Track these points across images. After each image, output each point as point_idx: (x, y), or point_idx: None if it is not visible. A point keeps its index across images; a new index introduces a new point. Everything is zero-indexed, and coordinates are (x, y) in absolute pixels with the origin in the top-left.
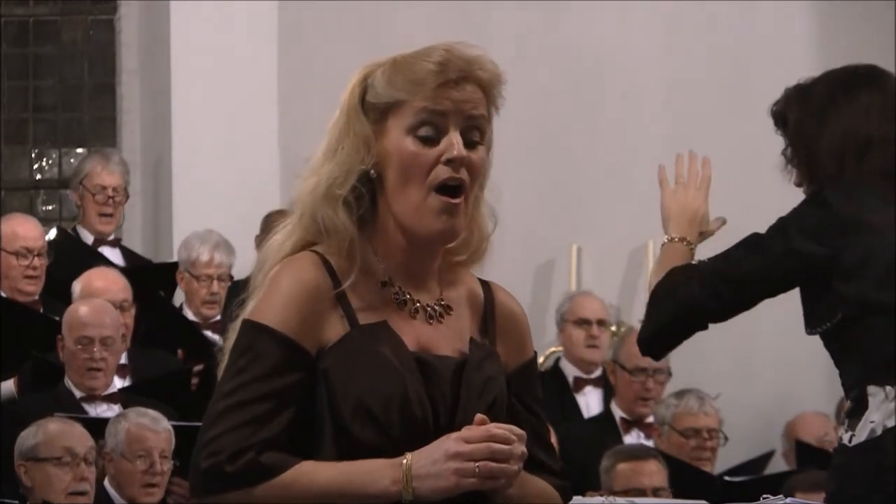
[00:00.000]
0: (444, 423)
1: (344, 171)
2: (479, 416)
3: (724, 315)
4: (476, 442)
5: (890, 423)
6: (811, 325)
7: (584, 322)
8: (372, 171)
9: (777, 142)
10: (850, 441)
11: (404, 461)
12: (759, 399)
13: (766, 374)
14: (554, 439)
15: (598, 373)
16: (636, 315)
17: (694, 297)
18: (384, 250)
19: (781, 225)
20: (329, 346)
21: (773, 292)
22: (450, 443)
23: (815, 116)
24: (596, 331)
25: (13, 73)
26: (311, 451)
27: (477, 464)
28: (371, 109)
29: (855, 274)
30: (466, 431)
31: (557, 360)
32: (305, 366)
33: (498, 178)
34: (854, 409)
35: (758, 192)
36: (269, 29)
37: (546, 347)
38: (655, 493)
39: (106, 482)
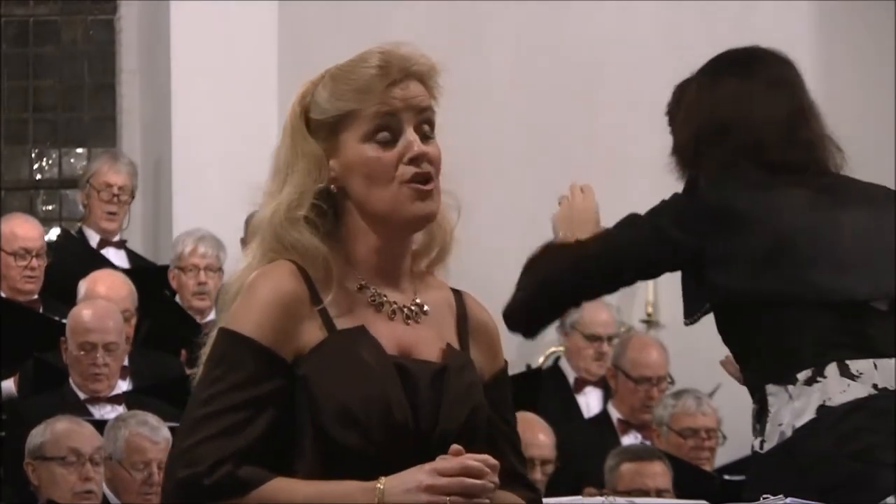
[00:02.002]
0: (426, 427)
1: (299, 193)
2: (454, 446)
3: (591, 293)
4: (450, 475)
5: (798, 423)
6: (686, 314)
7: (595, 338)
8: (332, 187)
9: None
10: (761, 447)
11: (378, 485)
12: None
13: None
14: (554, 440)
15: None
16: (636, 315)
17: (563, 275)
18: (356, 255)
19: (656, 209)
20: (307, 353)
21: (640, 274)
22: (423, 474)
23: (681, 105)
24: (606, 347)
25: (13, 73)
26: (292, 458)
27: (449, 499)
28: (319, 127)
29: (726, 263)
30: (441, 463)
31: (557, 359)
32: (282, 374)
33: (497, 178)
34: (759, 410)
35: None
36: (269, 29)
37: (546, 347)
38: (659, 494)
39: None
